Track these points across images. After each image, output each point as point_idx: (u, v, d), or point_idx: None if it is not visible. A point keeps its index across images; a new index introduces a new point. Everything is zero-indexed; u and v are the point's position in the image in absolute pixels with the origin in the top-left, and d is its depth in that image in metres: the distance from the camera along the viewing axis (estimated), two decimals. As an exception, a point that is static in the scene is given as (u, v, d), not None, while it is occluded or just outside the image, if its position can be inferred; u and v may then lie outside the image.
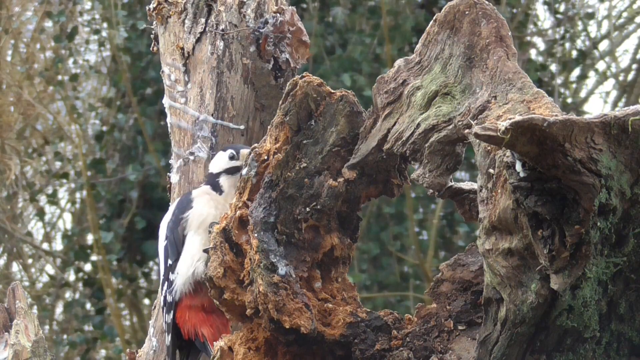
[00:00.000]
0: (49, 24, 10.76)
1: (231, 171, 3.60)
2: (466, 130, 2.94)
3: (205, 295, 3.46)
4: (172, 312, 3.52)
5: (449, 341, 3.14)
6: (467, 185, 3.18)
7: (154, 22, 4.03)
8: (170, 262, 3.53)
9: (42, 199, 11.06)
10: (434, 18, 3.14)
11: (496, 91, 2.97)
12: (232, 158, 3.61)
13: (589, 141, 2.64)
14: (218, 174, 3.62)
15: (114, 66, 10.22)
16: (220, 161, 3.63)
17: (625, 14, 11.68)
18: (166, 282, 3.53)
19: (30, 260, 11.54)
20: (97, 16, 10.46)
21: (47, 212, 11.33)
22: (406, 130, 3.12)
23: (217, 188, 3.60)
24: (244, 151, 3.58)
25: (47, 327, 10.91)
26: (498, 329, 2.92)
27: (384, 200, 9.02)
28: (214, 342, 3.38)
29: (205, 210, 3.52)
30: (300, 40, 3.92)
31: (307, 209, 3.25)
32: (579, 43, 11.09)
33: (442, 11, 3.11)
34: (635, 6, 11.63)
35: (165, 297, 3.54)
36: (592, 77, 11.49)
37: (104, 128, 10.23)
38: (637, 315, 2.92)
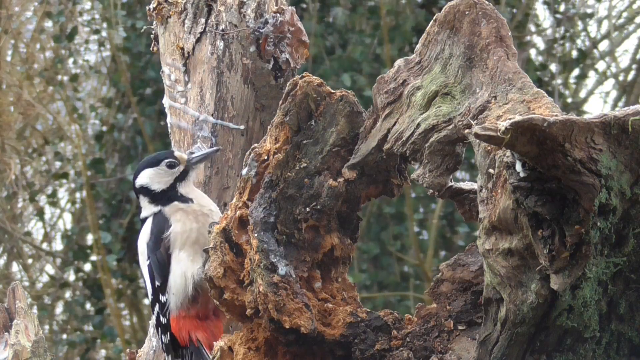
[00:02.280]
0: (48, 24, 10.76)
1: (181, 177, 3.57)
2: (466, 130, 2.94)
3: (200, 306, 3.46)
4: (168, 333, 3.49)
5: (449, 341, 3.13)
6: (467, 185, 3.18)
7: (154, 22, 4.03)
8: (157, 283, 3.49)
9: (42, 199, 11.07)
10: (434, 18, 3.14)
11: (496, 91, 2.97)
12: (172, 166, 3.56)
13: (589, 141, 2.64)
14: (172, 187, 3.55)
15: (114, 66, 10.22)
16: (162, 176, 3.55)
17: (625, 14, 11.69)
18: (157, 304, 3.50)
19: (30, 260, 11.54)
20: (96, 16, 10.46)
21: (47, 212, 11.33)
22: (406, 130, 3.12)
23: (184, 199, 3.56)
24: (179, 153, 3.58)
25: (47, 327, 10.91)
26: (498, 329, 2.92)
27: (384, 200, 9.02)
28: (214, 342, 3.38)
29: (187, 226, 3.49)
30: (300, 40, 3.92)
31: (307, 209, 3.25)
32: (579, 43, 11.09)
33: (442, 11, 3.11)
34: (635, 6, 11.63)
35: (158, 318, 3.50)
36: (592, 77, 11.50)
37: (104, 128, 10.24)
38: (637, 315, 2.92)
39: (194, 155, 3.61)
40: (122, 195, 9.93)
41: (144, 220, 3.59)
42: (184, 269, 3.46)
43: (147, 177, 3.57)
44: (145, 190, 3.58)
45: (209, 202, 3.62)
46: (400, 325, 3.20)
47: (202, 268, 3.39)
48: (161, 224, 3.51)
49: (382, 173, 3.28)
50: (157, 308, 3.50)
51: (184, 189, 3.57)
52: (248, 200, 3.31)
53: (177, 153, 3.59)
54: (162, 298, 3.48)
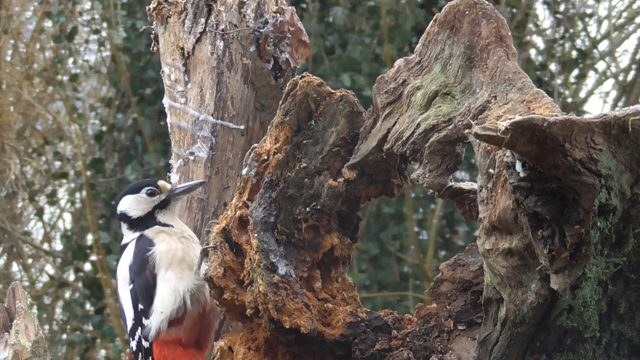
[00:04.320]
0: (48, 24, 10.76)
1: (161, 206, 3.56)
2: (466, 130, 2.94)
3: (184, 331, 3.42)
4: (150, 357, 3.43)
5: (449, 341, 3.13)
6: (467, 185, 3.18)
7: (154, 22, 4.03)
8: (141, 306, 3.44)
9: (42, 199, 11.07)
10: (434, 18, 3.14)
11: (496, 91, 2.97)
12: (152, 194, 3.55)
13: (589, 141, 2.64)
14: (149, 215, 3.54)
15: (114, 66, 10.22)
16: (140, 202, 3.55)
17: (625, 14, 11.69)
18: (139, 328, 3.43)
19: (30, 260, 11.54)
20: (96, 16, 10.46)
21: (47, 212, 11.33)
22: (406, 130, 3.12)
23: (164, 225, 3.55)
24: (163, 182, 3.57)
25: (46, 327, 10.91)
26: (498, 329, 2.92)
27: (384, 200, 9.02)
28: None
29: (172, 245, 3.46)
30: (300, 40, 3.92)
31: (307, 209, 3.25)
32: (578, 43, 11.10)
33: (442, 11, 3.11)
34: (635, 6, 11.63)
35: (139, 342, 3.44)
36: (592, 77, 11.51)
37: (104, 128, 10.24)
38: (637, 315, 2.92)
39: (178, 186, 3.61)
40: (122, 195, 9.91)
41: (124, 247, 3.57)
42: (174, 286, 3.41)
43: (127, 204, 3.58)
44: (124, 217, 3.58)
45: (189, 230, 3.61)
46: (400, 325, 3.20)
47: (192, 281, 3.40)
48: (144, 246, 3.48)
49: (382, 173, 3.28)
50: (138, 332, 3.44)
51: (163, 217, 3.56)
52: (248, 200, 3.31)
53: (160, 182, 3.59)
54: (145, 322, 3.43)
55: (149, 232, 3.53)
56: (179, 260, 3.44)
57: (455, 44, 3.08)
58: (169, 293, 3.42)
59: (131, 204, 3.57)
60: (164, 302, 3.42)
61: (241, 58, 3.88)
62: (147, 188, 3.56)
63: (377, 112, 3.21)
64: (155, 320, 3.42)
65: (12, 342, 3.95)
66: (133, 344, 3.48)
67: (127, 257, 3.52)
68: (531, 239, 2.73)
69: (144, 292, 3.44)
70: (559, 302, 2.82)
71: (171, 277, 3.43)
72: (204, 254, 3.36)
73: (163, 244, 3.47)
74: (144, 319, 3.44)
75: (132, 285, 3.47)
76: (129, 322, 3.48)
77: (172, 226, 3.55)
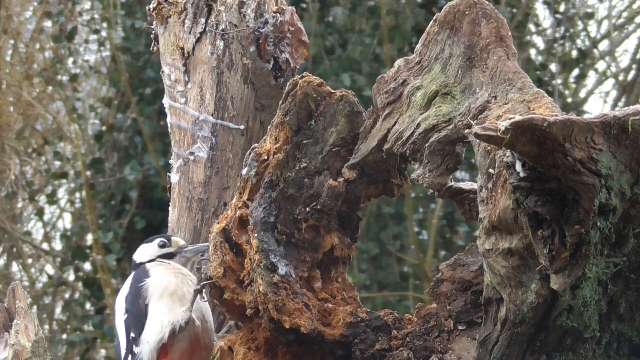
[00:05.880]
0: (48, 24, 10.76)
1: (166, 257, 3.58)
2: (466, 130, 2.94)
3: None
4: None
5: (449, 341, 3.14)
6: (467, 185, 3.18)
7: (154, 22, 4.03)
8: (133, 335, 3.42)
9: (42, 199, 11.07)
10: (434, 18, 3.14)
11: (496, 91, 2.97)
12: (163, 246, 3.59)
13: (589, 141, 2.64)
14: (153, 260, 3.58)
15: (113, 66, 10.22)
16: (149, 250, 3.60)
17: (625, 14, 11.69)
18: (130, 356, 3.41)
19: (30, 260, 11.54)
20: (96, 16, 10.46)
21: (47, 212, 11.33)
22: (406, 130, 3.12)
23: (163, 261, 3.58)
24: (177, 238, 3.62)
25: (46, 327, 10.91)
26: (498, 329, 2.92)
27: (384, 200, 9.02)
28: None
29: (166, 278, 3.46)
30: (300, 40, 3.92)
31: (307, 209, 3.25)
32: (579, 43, 11.09)
33: (442, 11, 3.11)
34: (635, 6, 11.63)
35: None
36: (592, 77, 11.50)
37: (103, 128, 10.24)
38: (637, 315, 2.92)
39: (189, 247, 3.64)
40: (121, 195, 9.93)
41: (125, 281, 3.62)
42: (160, 317, 3.40)
43: (139, 252, 3.63)
44: (133, 262, 3.63)
45: (186, 269, 3.61)
46: (400, 325, 3.20)
47: (181, 316, 3.37)
48: (140, 276, 3.50)
49: (382, 173, 3.28)
50: None
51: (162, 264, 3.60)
52: (248, 200, 3.31)
53: (174, 238, 3.65)
54: (136, 350, 3.41)
55: (147, 264, 3.56)
56: (171, 293, 3.42)
57: (455, 44, 3.08)
58: (155, 323, 3.40)
59: (142, 252, 3.62)
60: (149, 332, 3.40)
61: (241, 58, 3.88)
62: (159, 240, 3.62)
63: (377, 112, 3.21)
64: (144, 351, 3.40)
65: (12, 342, 3.95)
66: None
67: (124, 289, 3.55)
68: (531, 239, 2.73)
69: (137, 321, 3.43)
70: (559, 302, 2.82)
71: (160, 308, 3.42)
72: (198, 292, 3.35)
73: (157, 276, 3.48)
74: (134, 346, 3.42)
75: (126, 315, 3.47)
76: (122, 351, 3.46)
77: (170, 263, 3.57)
